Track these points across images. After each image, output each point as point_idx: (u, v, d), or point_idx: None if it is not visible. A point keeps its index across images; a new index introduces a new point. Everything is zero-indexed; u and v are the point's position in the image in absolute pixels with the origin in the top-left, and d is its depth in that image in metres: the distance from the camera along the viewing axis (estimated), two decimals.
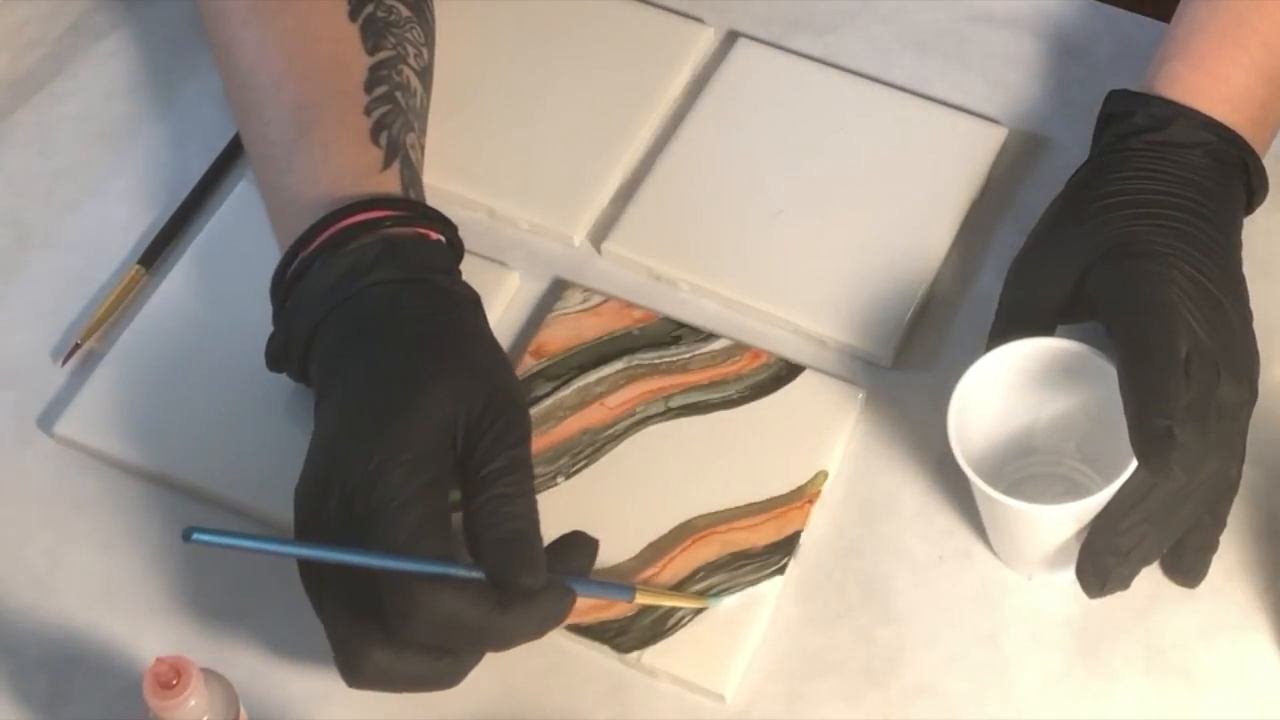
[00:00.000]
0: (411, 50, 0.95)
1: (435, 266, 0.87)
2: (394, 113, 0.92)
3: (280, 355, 0.88)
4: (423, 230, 0.88)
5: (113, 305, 0.97)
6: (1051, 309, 0.87)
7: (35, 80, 1.06)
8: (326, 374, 0.85)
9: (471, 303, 0.88)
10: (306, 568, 0.81)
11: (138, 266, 0.98)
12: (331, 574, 0.80)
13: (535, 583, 0.79)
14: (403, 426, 0.80)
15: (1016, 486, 0.87)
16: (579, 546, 0.84)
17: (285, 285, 0.87)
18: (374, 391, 0.82)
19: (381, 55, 0.93)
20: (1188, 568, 0.86)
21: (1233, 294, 0.86)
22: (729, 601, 0.86)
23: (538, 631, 0.80)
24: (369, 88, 0.92)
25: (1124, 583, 0.83)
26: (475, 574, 0.78)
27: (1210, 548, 0.85)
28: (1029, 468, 0.88)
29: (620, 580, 0.86)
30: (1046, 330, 0.87)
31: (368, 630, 0.79)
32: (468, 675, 0.81)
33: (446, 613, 0.77)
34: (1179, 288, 0.84)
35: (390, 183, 0.90)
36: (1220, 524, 0.85)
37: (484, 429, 0.81)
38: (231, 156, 1.02)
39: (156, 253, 0.99)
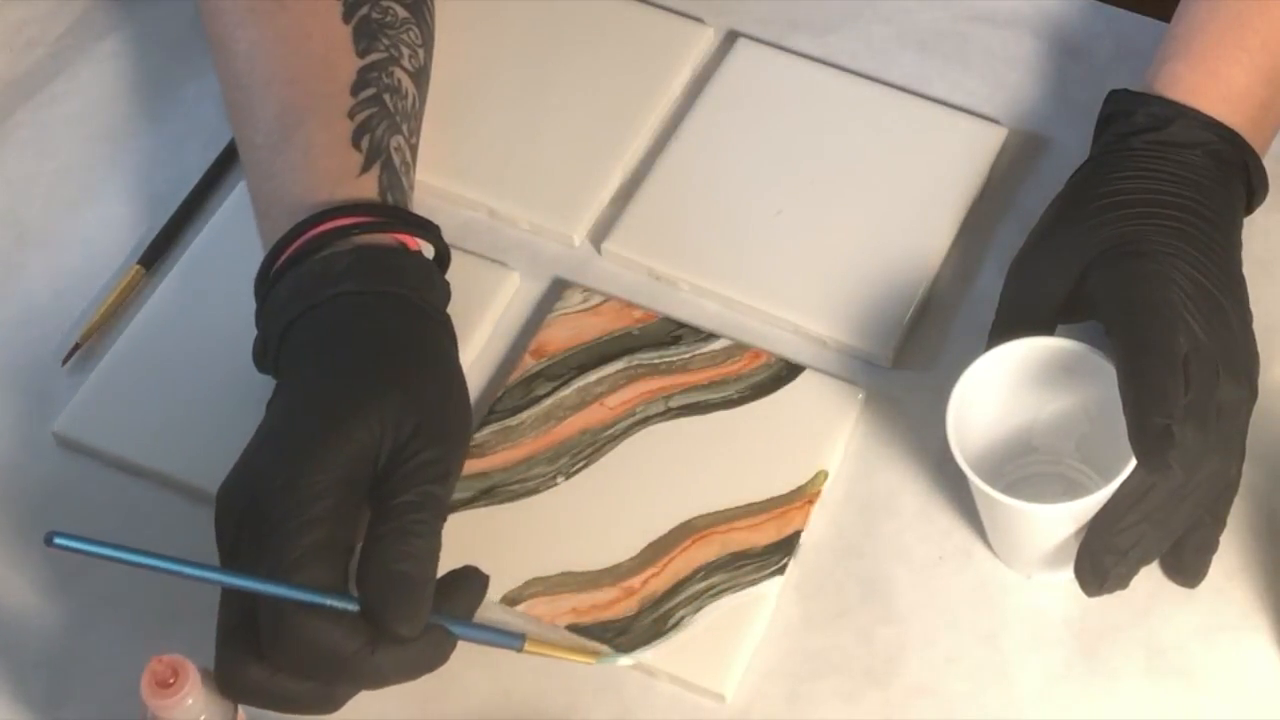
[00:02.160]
0: (406, 52, 0.95)
1: (407, 279, 0.86)
2: (379, 116, 0.91)
3: (260, 357, 0.88)
4: (401, 237, 0.88)
5: (113, 305, 0.97)
6: (1051, 308, 0.87)
7: (35, 80, 1.06)
8: (280, 379, 0.84)
9: (437, 322, 0.86)
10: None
11: (137, 267, 0.98)
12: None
13: (409, 632, 0.76)
14: (322, 448, 0.78)
15: (1016, 486, 0.87)
16: (468, 585, 0.81)
17: (265, 288, 0.87)
18: (306, 407, 0.81)
19: (373, 57, 0.93)
20: (1188, 568, 0.86)
21: (1232, 294, 0.86)
22: (624, 661, 0.85)
23: (410, 675, 0.78)
24: (356, 90, 0.91)
25: (1123, 582, 0.83)
26: (351, 607, 0.76)
27: (1210, 548, 0.85)
28: (1028, 467, 0.88)
29: (508, 628, 0.83)
30: (1046, 329, 0.87)
31: (249, 645, 0.77)
32: (345, 704, 0.79)
33: (314, 642, 0.75)
34: (1178, 287, 0.84)
35: (367, 187, 0.89)
36: (1220, 524, 0.85)
37: (406, 458, 0.79)
38: (231, 157, 1.02)
39: (156, 253, 0.99)
